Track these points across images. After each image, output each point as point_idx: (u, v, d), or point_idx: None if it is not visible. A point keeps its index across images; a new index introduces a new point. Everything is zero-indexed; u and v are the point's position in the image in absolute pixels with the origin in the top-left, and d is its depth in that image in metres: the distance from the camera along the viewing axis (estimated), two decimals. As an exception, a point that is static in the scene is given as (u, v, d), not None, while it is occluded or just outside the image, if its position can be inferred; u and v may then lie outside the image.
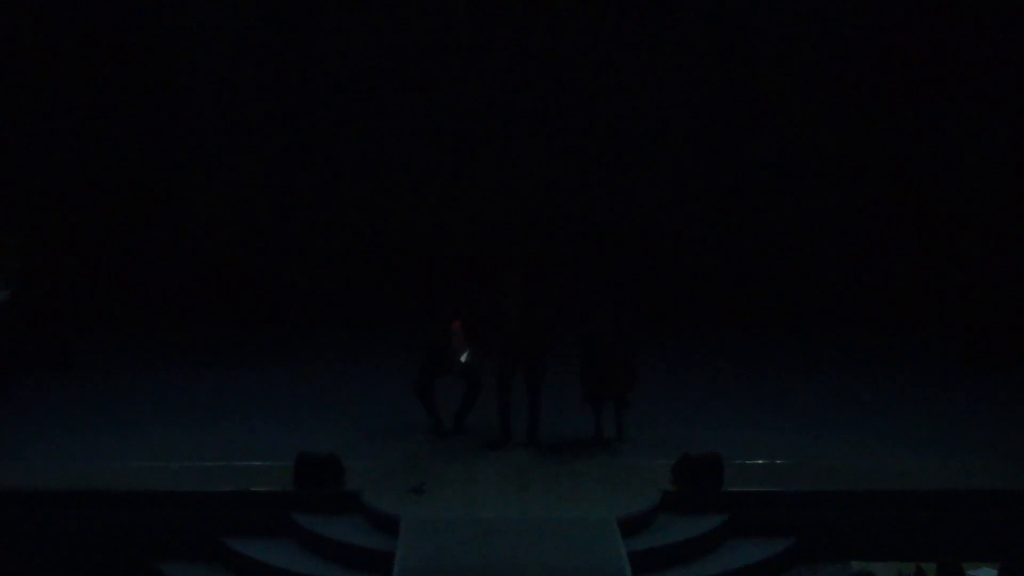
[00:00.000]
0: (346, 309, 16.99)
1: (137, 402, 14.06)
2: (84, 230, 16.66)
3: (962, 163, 16.60)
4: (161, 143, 16.96)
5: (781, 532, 11.24)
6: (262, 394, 14.34)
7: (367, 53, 17.03)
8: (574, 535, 10.61)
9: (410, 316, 16.85)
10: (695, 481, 11.41)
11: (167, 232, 16.95)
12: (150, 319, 16.72)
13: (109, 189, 16.80)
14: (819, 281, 16.88)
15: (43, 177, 16.54)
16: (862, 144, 16.95)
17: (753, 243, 17.07)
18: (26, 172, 16.46)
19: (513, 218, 17.13)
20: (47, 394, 14.35)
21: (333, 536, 11.00)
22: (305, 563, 10.92)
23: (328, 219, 17.23)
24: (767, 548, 11.11)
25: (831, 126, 16.98)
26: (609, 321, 12.47)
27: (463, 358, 12.77)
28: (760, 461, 12.08)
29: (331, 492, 11.40)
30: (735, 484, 11.47)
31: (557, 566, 10.17)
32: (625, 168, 17.26)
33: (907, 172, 16.86)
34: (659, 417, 13.23)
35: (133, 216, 16.89)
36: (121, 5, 16.70)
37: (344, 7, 17.00)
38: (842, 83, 16.87)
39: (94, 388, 14.63)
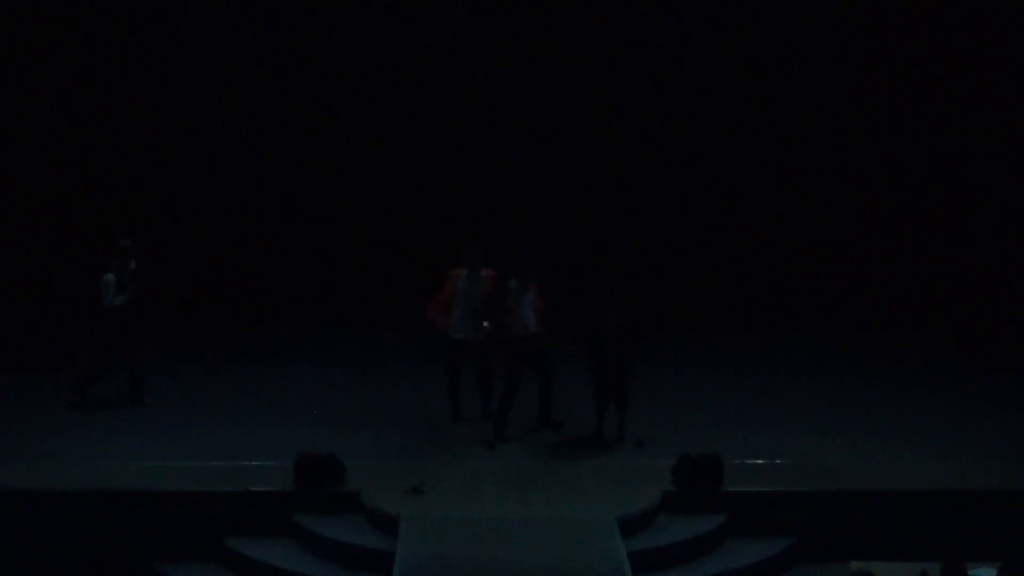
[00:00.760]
0: (346, 309, 16.99)
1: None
2: (84, 230, 16.64)
3: (962, 163, 16.60)
4: (161, 143, 16.96)
5: (781, 532, 11.24)
6: (262, 394, 14.34)
7: (367, 53, 17.04)
8: (574, 535, 10.61)
9: (410, 316, 16.91)
10: (695, 481, 11.41)
11: (167, 232, 16.94)
12: (150, 319, 16.70)
13: (109, 189, 16.79)
14: (819, 281, 16.88)
15: (43, 177, 16.54)
16: (862, 145, 16.96)
17: (753, 243, 17.07)
18: (26, 172, 16.46)
19: (513, 218, 17.13)
20: (47, 394, 14.35)
21: (333, 536, 11.00)
22: (305, 563, 10.92)
23: (328, 219, 17.24)
24: (767, 548, 11.11)
25: (831, 126, 16.98)
26: (618, 311, 12.47)
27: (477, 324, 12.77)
28: (760, 461, 12.09)
29: (331, 492, 11.40)
30: (735, 484, 11.47)
31: (557, 566, 10.17)
32: (625, 168, 17.27)
33: (907, 173, 16.87)
34: (659, 417, 13.23)
35: (133, 215, 16.88)
36: (121, 5, 16.71)
37: (344, 7, 17.01)
38: (842, 83, 16.87)
39: (95, 388, 14.62)
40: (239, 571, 11.08)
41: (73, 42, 16.56)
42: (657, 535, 11.02)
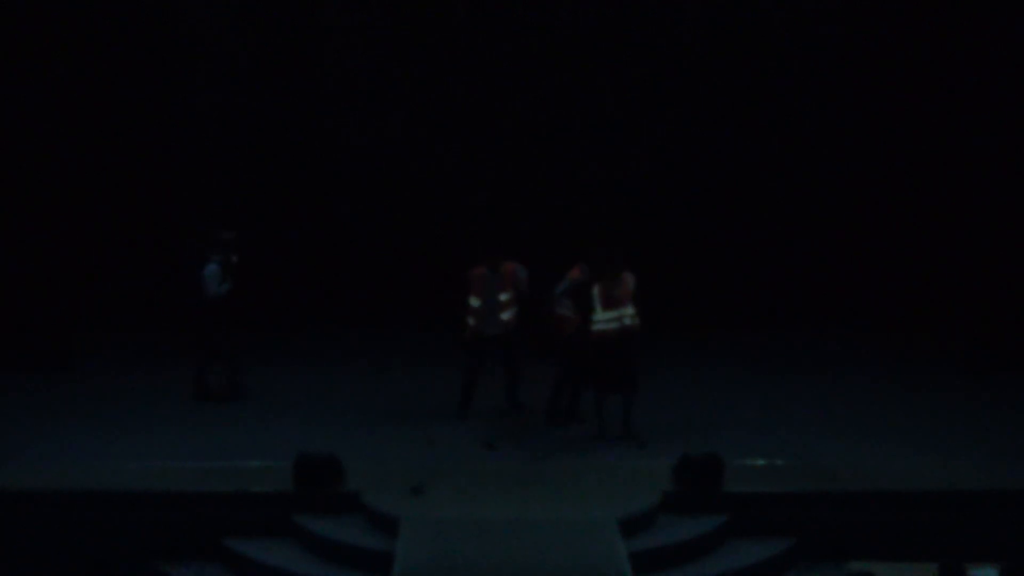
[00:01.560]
0: (346, 309, 16.99)
1: (137, 402, 14.06)
2: (83, 230, 16.65)
3: (962, 163, 16.60)
4: (161, 143, 16.96)
5: (781, 532, 11.24)
6: (262, 394, 14.34)
7: (367, 53, 17.04)
8: (574, 535, 10.60)
9: (409, 316, 16.92)
10: (695, 481, 11.41)
11: (166, 232, 16.94)
12: (150, 319, 16.72)
13: (108, 189, 16.80)
14: (820, 281, 16.88)
15: (43, 177, 16.54)
16: (863, 144, 16.96)
17: (753, 243, 17.08)
18: (25, 171, 16.46)
19: (512, 218, 17.14)
20: (47, 394, 14.35)
21: (333, 536, 11.00)
22: (305, 563, 10.91)
23: (328, 219, 17.24)
24: (767, 548, 11.10)
25: (832, 126, 16.98)
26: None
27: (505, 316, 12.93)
28: (760, 461, 12.09)
29: (331, 492, 11.40)
30: (735, 484, 11.47)
31: (557, 566, 10.16)
32: (626, 168, 17.27)
33: (907, 172, 16.87)
34: (660, 417, 13.23)
35: (133, 215, 16.90)
36: (120, 5, 16.71)
37: (344, 7, 17.01)
38: (844, 82, 16.87)
39: (94, 388, 14.63)
40: (239, 571, 11.08)
41: (73, 42, 16.56)
42: (657, 535, 11.01)
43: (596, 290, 12.67)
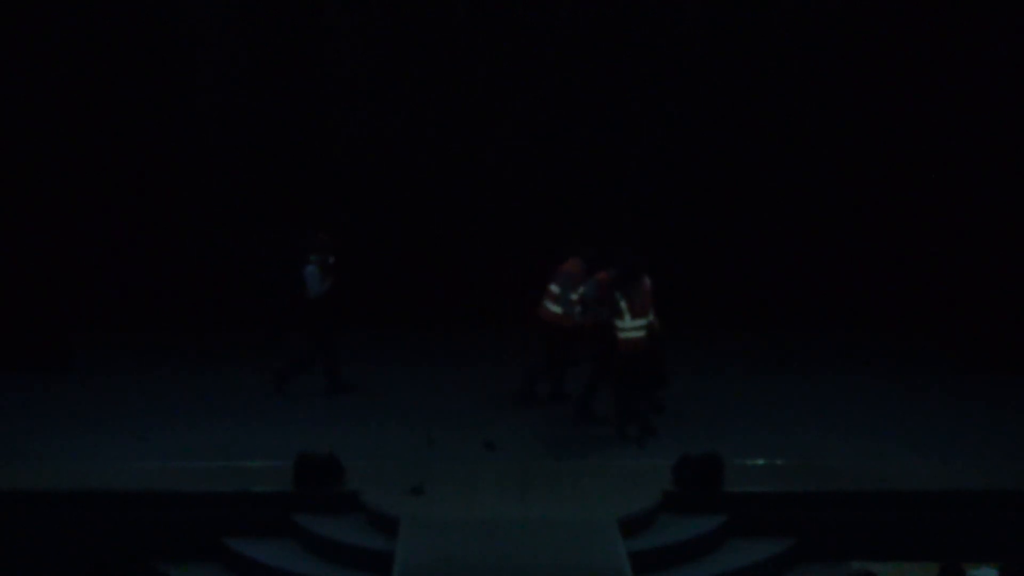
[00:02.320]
0: (346, 309, 16.97)
1: (137, 402, 14.06)
2: (83, 230, 16.64)
3: (962, 163, 16.59)
4: (161, 143, 16.95)
5: (781, 532, 11.24)
6: (262, 394, 14.34)
7: (368, 52, 17.03)
8: (574, 535, 10.61)
9: (410, 316, 16.91)
10: (695, 481, 11.41)
11: (166, 232, 16.94)
12: (150, 319, 16.72)
13: (108, 189, 16.79)
14: (819, 281, 16.87)
15: (43, 177, 16.53)
16: (862, 144, 16.95)
17: (752, 243, 17.07)
18: (25, 171, 16.44)
19: (512, 218, 17.14)
20: (47, 394, 14.35)
21: (333, 536, 11.00)
22: (305, 563, 10.92)
23: (328, 218, 17.21)
24: (767, 548, 11.11)
25: (831, 126, 16.97)
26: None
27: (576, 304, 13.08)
28: (760, 461, 12.09)
29: (331, 492, 11.40)
30: (735, 484, 11.47)
31: (557, 566, 10.17)
32: (626, 168, 17.26)
33: (906, 172, 16.86)
34: (660, 417, 13.22)
35: (133, 216, 16.89)
36: (121, 5, 16.70)
37: (344, 7, 17.00)
38: (842, 83, 16.86)
39: (94, 388, 14.63)
40: (239, 571, 11.08)
41: (73, 41, 16.54)
42: (657, 535, 11.02)
43: (622, 296, 12.65)
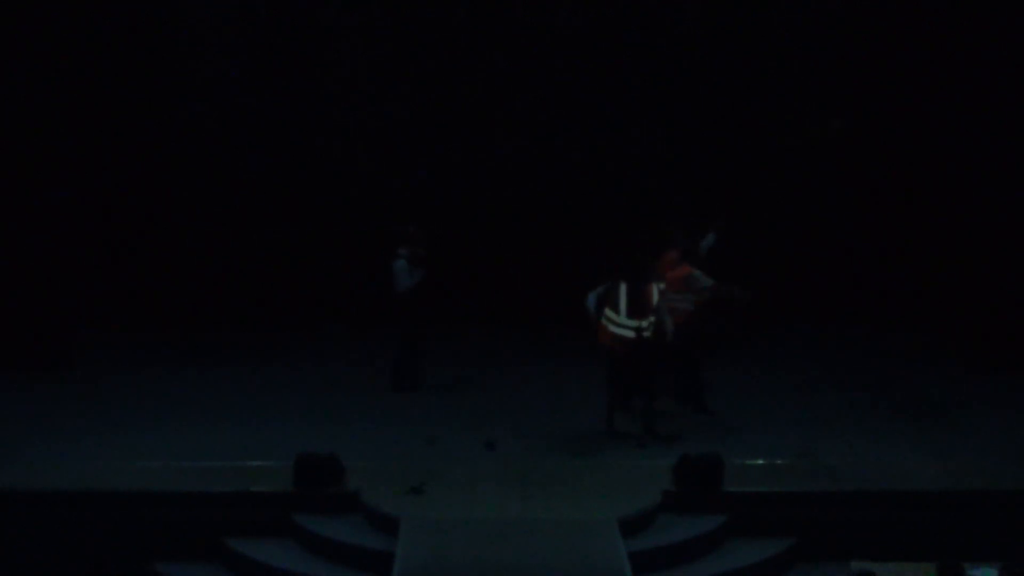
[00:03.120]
0: (346, 310, 16.98)
1: (137, 402, 14.06)
2: (83, 229, 16.64)
3: (962, 163, 16.59)
4: (161, 143, 16.96)
5: (781, 532, 11.24)
6: (262, 394, 14.34)
7: (368, 53, 17.03)
8: (574, 535, 10.61)
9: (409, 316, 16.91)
10: (695, 481, 11.41)
11: (166, 231, 16.94)
12: (150, 319, 16.72)
13: (108, 188, 16.79)
14: (819, 281, 16.87)
15: (43, 176, 16.52)
16: (864, 142, 16.95)
17: (752, 242, 17.06)
18: (25, 171, 16.44)
19: (512, 218, 17.14)
20: (47, 394, 14.35)
21: (333, 536, 11.00)
22: (305, 563, 10.91)
23: (329, 218, 17.23)
24: (767, 548, 11.11)
25: (832, 124, 16.98)
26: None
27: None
28: (760, 461, 12.09)
29: (331, 492, 11.40)
30: (735, 484, 11.47)
31: (557, 566, 10.17)
32: (626, 167, 17.26)
33: (907, 171, 16.86)
34: (660, 417, 13.21)
35: (133, 215, 16.89)
36: (121, 5, 16.70)
37: (344, 7, 17.00)
38: (843, 81, 16.86)
39: (94, 388, 14.63)
40: (239, 571, 11.08)
41: (74, 41, 16.53)
42: (657, 535, 11.02)
43: (625, 291, 12.59)
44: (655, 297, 12.67)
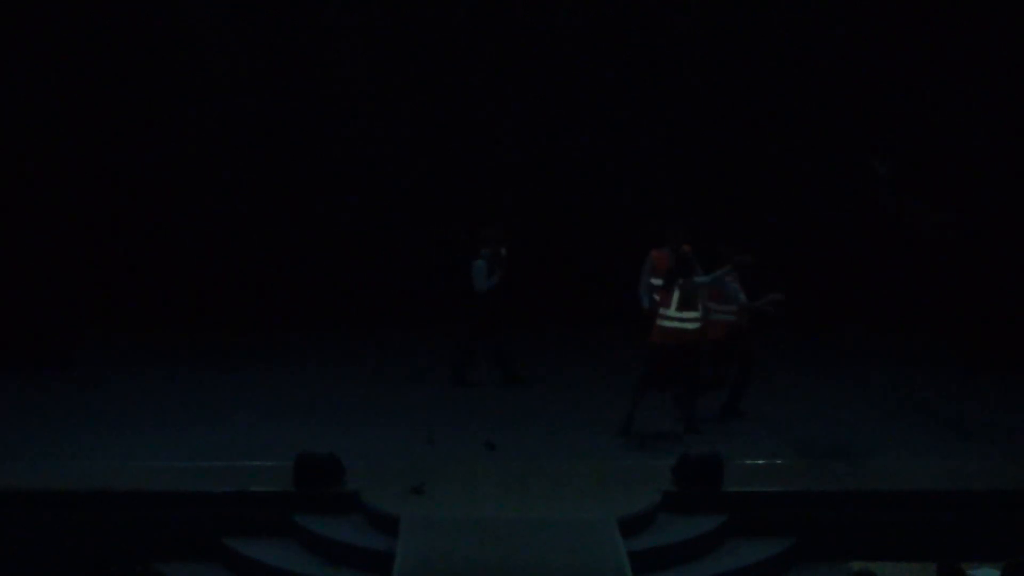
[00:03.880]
0: (346, 310, 16.99)
1: (137, 402, 14.06)
2: (84, 229, 16.65)
3: (962, 164, 16.60)
4: (161, 143, 16.96)
5: (781, 532, 11.23)
6: (262, 394, 14.34)
7: (368, 53, 17.04)
8: (574, 535, 10.60)
9: (409, 317, 16.91)
10: (695, 481, 11.41)
11: (167, 232, 16.95)
12: (150, 319, 16.72)
13: (109, 188, 16.80)
14: (818, 281, 16.86)
15: (43, 176, 16.53)
16: (862, 145, 16.94)
17: (752, 242, 17.04)
18: (25, 171, 16.45)
19: (512, 218, 17.13)
20: (47, 394, 14.35)
21: (333, 536, 10.99)
22: (305, 563, 10.91)
23: (329, 218, 17.24)
24: (767, 548, 11.10)
25: (831, 125, 16.97)
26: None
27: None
28: (760, 461, 12.09)
29: (331, 492, 11.40)
30: (735, 484, 11.47)
31: (557, 566, 10.16)
32: (627, 167, 17.27)
33: (907, 171, 16.84)
34: (660, 417, 13.22)
35: (133, 216, 16.90)
36: (122, 5, 16.71)
37: (344, 7, 17.00)
38: (844, 82, 16.86)
39: (94, 388, 14.63)
40: (239, 571, 11.07)
41: (74, 41, 16.54)
42: (657, 535, 11.01)
43: (677, 286, 12.73)
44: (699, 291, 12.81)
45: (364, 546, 10.83)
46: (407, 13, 16.95)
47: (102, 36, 16.64)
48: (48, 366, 15.05)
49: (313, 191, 17.16)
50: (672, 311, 12.70)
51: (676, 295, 12.70)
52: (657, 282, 13.27)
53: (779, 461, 12.10)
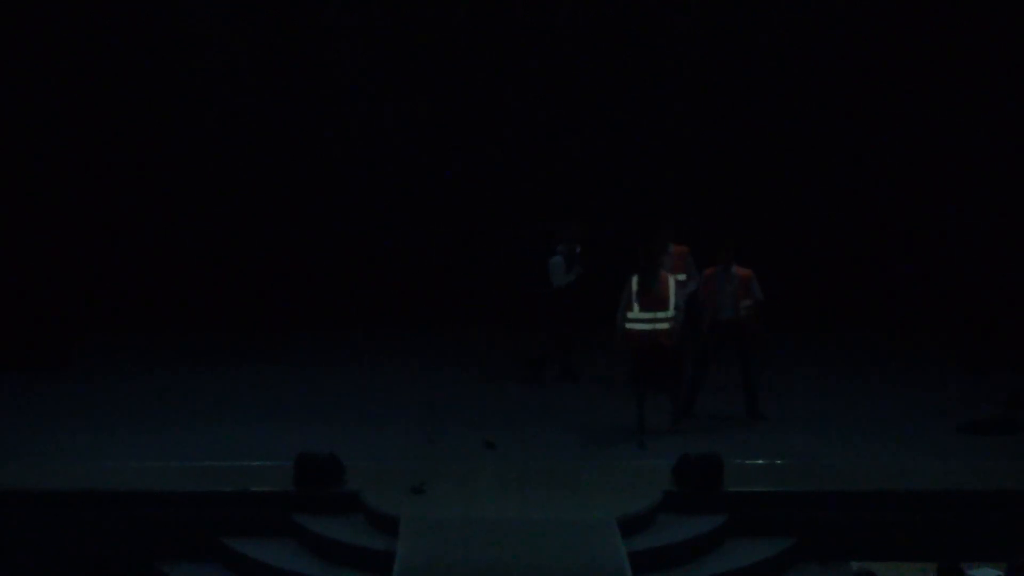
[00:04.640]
0: (346, 310, 17.00)
1: (137, 402, 14.06)
2: (84, 229, 16.66)
3: (963, 163, 16.61)
4: (161, 143, 16.97)
5: (781, 532, 11.23)
6: (262, 394, 14.35)
7: (368, 53, 17.05)
8: (574, 535, 10.60)
9: (409, 317, 16.93)
10: (695, 481, 11.41)
11: (166, 232, 16.96)
12: (150, 319, 16.74)
13: (109, 188, 16.81)
14: (818, 281, 16.88)
15: (43, 177, 16.55)
16: (863, 145, 16.97)
17: (752, 242, 17.06)
18: (26, 171, 16.47)
19: (511, 217, 17.15)
20: (46, 394, 14.35)
21: (333, 536, 10.99)
22: (305, 563, 10.90)
23: (329, 219, 17.25)
24: (767, 548, 11.09)
25: (831, 125, 16.99)
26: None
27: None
28: (760, 461, 12.08)
29: (331, 492, 11.40)
30: (735, 484, 11.46)
31: (557, 566, 10.16)
32: (627, 168, 17.27)
33: (908, 172, 16.88)
34: (659, 417, 13.22)
35: (132, 216, 16.91)
36: (122, 5, 16.72)
37: (344, 7, 17.02)
38: (845, 83, 16.88)
39: (94, 388, 14.64)
40: (239, 571, 11.07)
41: (74, 41, 16.56)
42: (657, 535, 11.00)
43: (637, 283, 12.55)
44: (671, 289, 12.61)
45: (364, 546, 10.83)
46: (407, 13, 16.95)
47: (102, 36, 16.67)
48: (47, 366, 15.05)
49: (313, 191, 17.18)
50: (636, 312, 12.56)
51: (636, 293, 12.51)
52: (681, 278, 13.36)
53: (779, 461, 12.09)
